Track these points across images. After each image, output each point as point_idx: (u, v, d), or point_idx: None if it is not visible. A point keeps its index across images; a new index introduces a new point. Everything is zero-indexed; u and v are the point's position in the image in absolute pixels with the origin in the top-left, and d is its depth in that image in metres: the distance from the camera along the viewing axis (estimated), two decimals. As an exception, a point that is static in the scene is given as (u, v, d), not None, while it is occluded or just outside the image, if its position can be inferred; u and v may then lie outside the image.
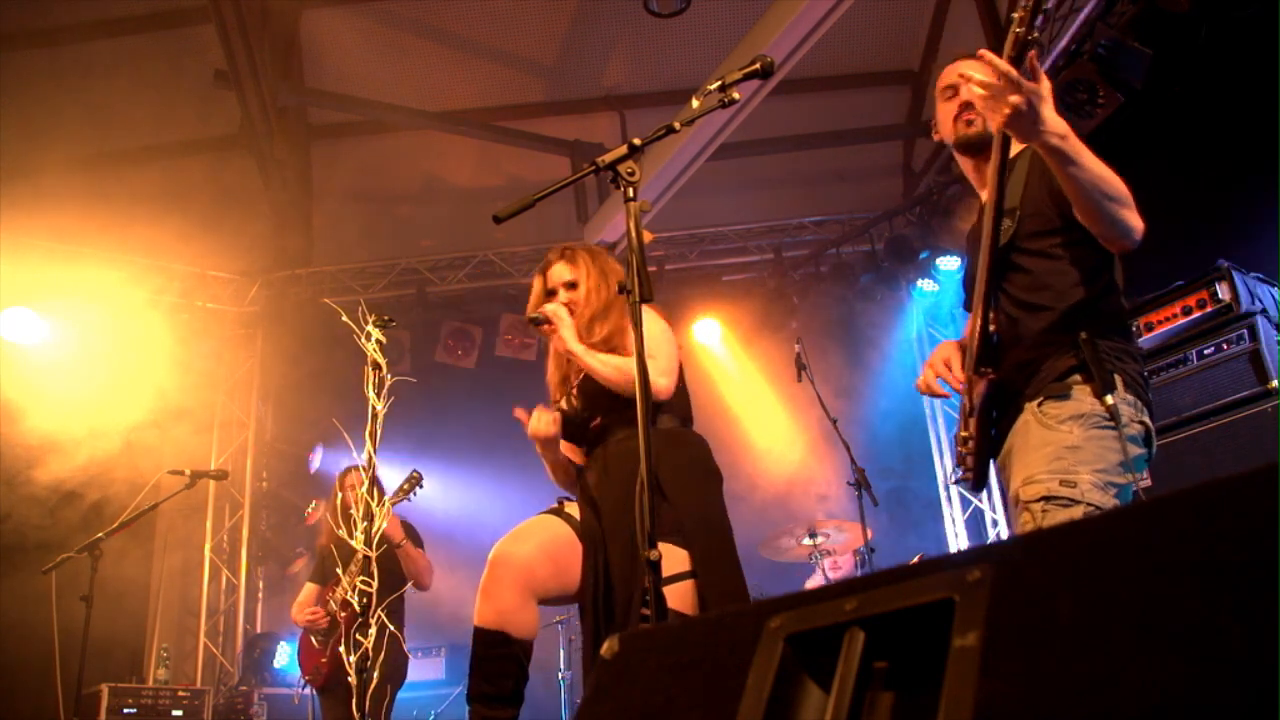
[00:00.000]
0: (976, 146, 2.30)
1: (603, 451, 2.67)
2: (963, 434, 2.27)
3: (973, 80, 1.92)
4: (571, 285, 2.76)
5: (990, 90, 1.86)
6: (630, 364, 2.50)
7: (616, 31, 6.32)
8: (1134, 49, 4.62)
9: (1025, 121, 1.84)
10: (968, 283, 2.41)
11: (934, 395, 2.41)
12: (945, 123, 2.37)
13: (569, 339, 2.62)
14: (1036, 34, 1.81)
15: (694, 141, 5.68)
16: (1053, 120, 1.86)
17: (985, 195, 2.28)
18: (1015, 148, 2.16)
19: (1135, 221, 1.99)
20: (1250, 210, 4.22)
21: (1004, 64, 1.83)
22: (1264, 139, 3.94)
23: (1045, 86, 1.85)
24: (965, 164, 2.40)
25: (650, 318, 2.63)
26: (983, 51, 1.89)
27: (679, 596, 2.30)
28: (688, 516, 2.44)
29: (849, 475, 4.94)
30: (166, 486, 4.56)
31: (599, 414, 2.70)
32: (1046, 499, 1.97)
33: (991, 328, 2.18)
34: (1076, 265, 2.11)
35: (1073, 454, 1.98)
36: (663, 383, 2.60)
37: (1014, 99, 1.82)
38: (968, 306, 2.36)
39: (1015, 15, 1.82)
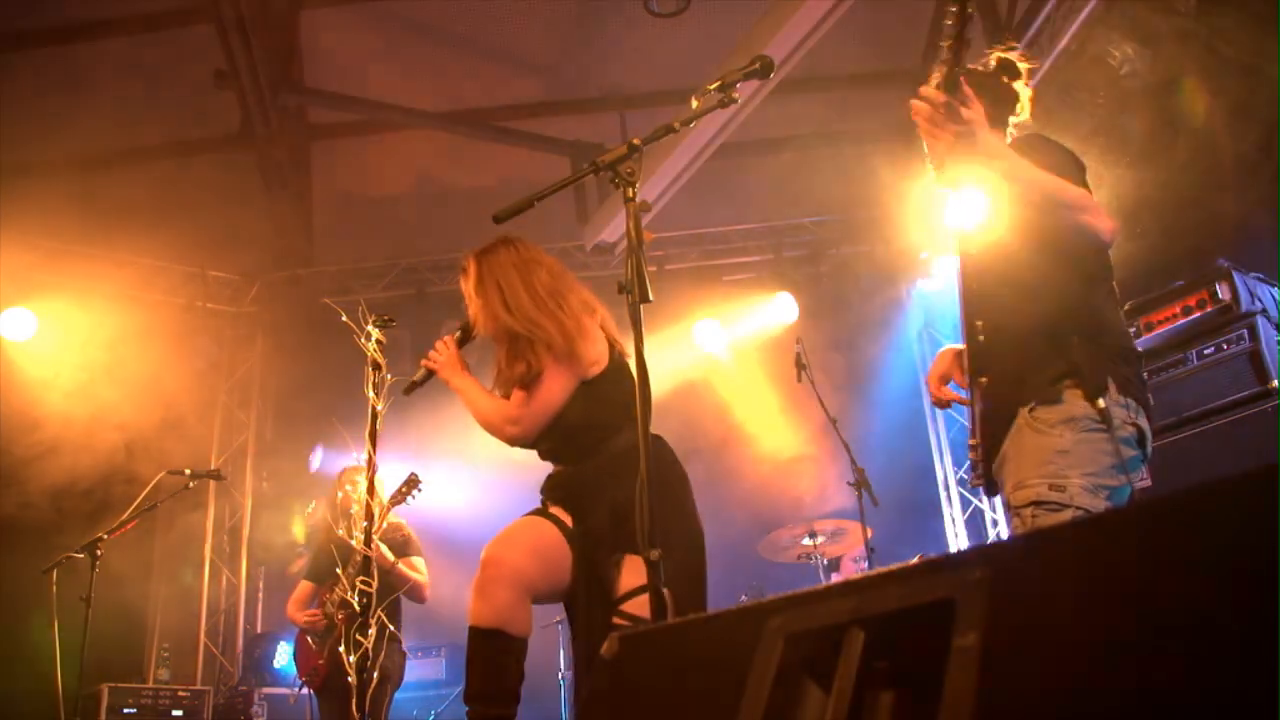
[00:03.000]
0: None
1: (563, 475, 2.69)
2: (971, 440, 2.32)
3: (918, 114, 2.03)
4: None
5: (931, 120, 1.97)
6: (489, 410, 2.63)
7: (616, 31, 6.31)
8: (1133, 49, 4.63)
9: (964, 146, 1.96)
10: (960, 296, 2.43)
11: (949, 401, 2.50)
12: None
13: (451, 379, 2.75)
14: (962, 65, 1.91)
15: (694, 141, 5.68)
16: (989, 142, 1.97)
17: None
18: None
19: (1099, 223, 2.03)
20: (1250, 210, 4.22)
21: (939, 95, 1.94)
22: (1264, 139, 3.94)
23: (979, 111, 1.99)
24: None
25: (547, 372, 2.56)
26: (922, 89, 1.98)
27: (641, 606, 2.29)
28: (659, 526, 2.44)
29: (849, 475, 4.94)
30: (166, 486, 4.55)
31: (545, 442, 2.69)
32: (1036, 504, 1.99)
33: (981, 337, 2.21)
34: (1063, 269, 2.13)
35: (1063, 458, 2.00)
36: (509, 431, 2.59)
37: (950, 128, 1.94)
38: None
39: (943, 43, 1.90)
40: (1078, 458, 2.00)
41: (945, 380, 2.48)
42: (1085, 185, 2.11)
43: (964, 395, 2.37)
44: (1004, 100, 2.34)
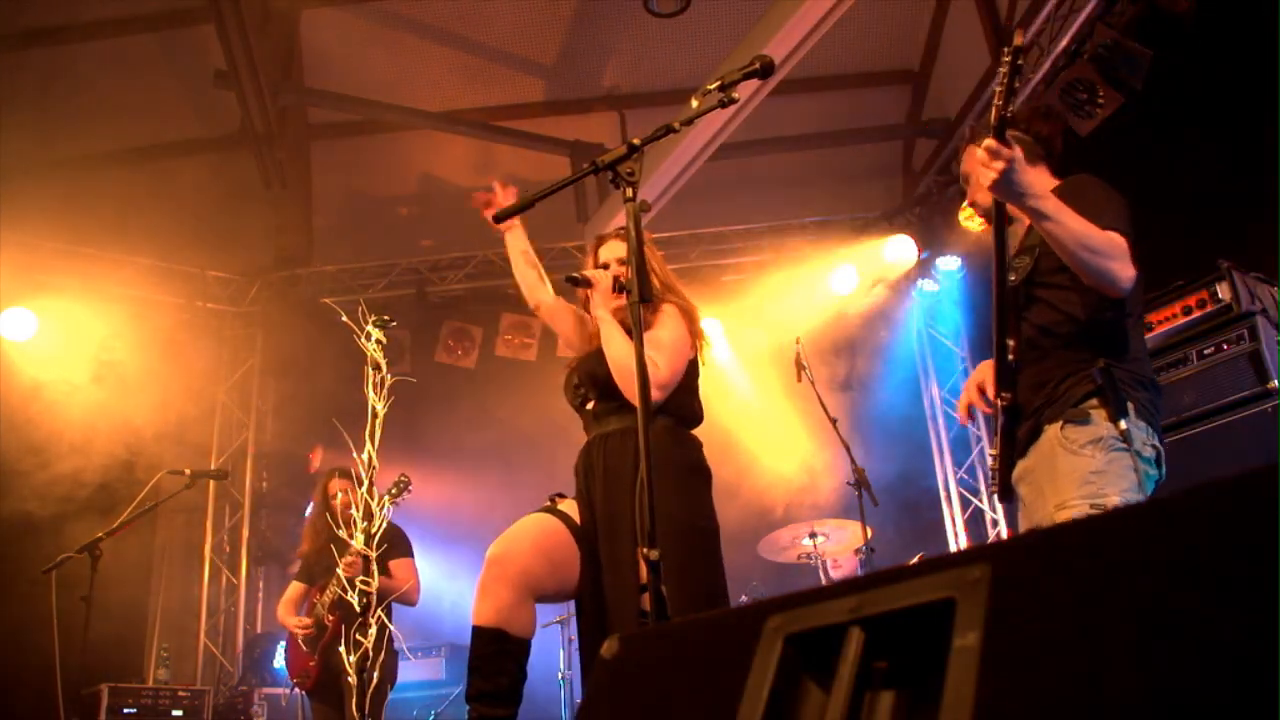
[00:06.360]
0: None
1: (591, 445, 2.70)
2: (991, 451, 2.49)
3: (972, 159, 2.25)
4: (624, 262, 2.82)
5: (978, 160, 2.13)
6: (630, 360, 2.51)
7: (616, 31, 6.32)
8: (1134, 49, 4.63)
9: (1005, 186, 2.09)
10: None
11: (978, 409, 2.65)
12: None
13: (601, 301, 2.68)
14: (1012, 110, 2.07)
15: (694, 141, 5.68)
16: (1027, 183, 2.11)
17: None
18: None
19: (1122, 271, 2.16)
20: (1250, 210, 4.22)
21: (988, 140, 2.09)
22: (1264, 139, 3.94)
23: (1019, 154, 2.11)
24: None
25: (673, 320, 2.70)
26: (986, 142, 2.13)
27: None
28: (660, 518, 2.43)
29: (849, 475, 4.94)
30: (166, 486, 4.55)
31: (594, 395, 2.72)
32: None
33: (1011, 357, 2.34)
34: (1089, 294, 2.25)
35: (1100, 478, 2.15)
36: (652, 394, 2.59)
37: (998, 165, 2.07)
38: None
39: (996, 89, 2.06)
40: (1112, 476, 2.14)
41: (982, 391, 2.62)
42: (1126, 223, 2.22)
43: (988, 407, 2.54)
44: (1037, 142, 2.51)
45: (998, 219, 2.26)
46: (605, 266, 2.84)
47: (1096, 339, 2.27)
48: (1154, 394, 2.31)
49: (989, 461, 2.55)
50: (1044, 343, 2.33)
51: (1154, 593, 0.68)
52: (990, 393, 2.50)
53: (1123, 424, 2.15)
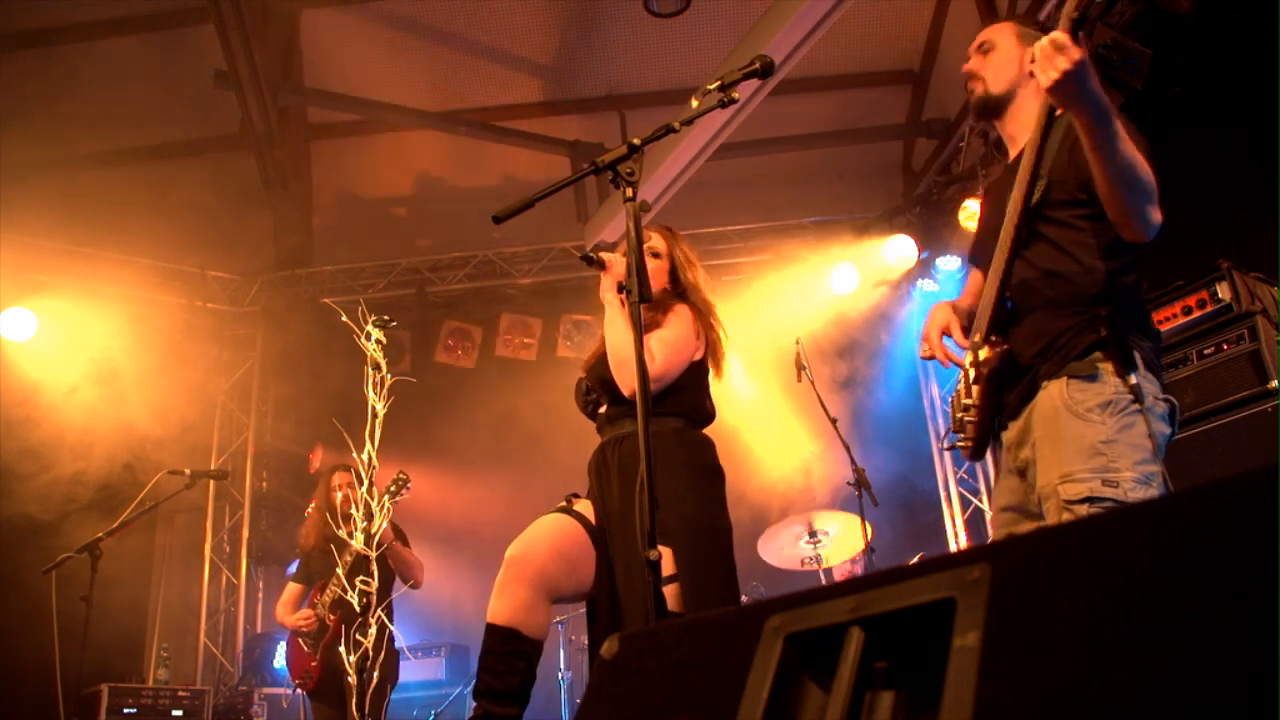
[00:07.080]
0: (983, 110, 2.33)
1: (605, 448, 2.71)
2: (964, 400, 2.20)
3: (982, 45, 1.94)
4: (656, 255, 2.87)
5: (1041, 52, 1.83)
6: (628, 349, 2.48)
7: (616, 31, 6.32)
8: (1134, 49, 4.62)
9: (1071, 88, 1.81)
10: (980, 241, 2.35)
11: (936, 359, 2.34)
12: None
13: (610, 286, 2.61)
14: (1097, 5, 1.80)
15: (694, 141, 5.68)
16: (1099, 94, 1.82)
17: (1014, 153, 2.27)
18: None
19: (1155, 216, 1.97)
20: (1250, 210, 4.22)
21: (1056, 33, 1.82)
22: (1264, 139, 3.94)
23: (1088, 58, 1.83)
24: (991, 127, 2.39)
25: (680, 320, 2.72)
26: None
27: (668, 598, 2.30)
28: (674, 517, 2.43)
29: (849, 475, 4.93)
30: (166, 486, 4.55)
31: (606, 399, 2.73)
32: (1090, 500, 1.92)
33: (1008, 294, 2.12)
34: (1099, 238, 2.08)
35: (1110, 448, 1.94)
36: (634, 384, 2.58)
37: (1061, 63, 1.79)
38: (976, 264, 2.32)
39: None
40: (1124, 447, 1.93)
41: (945, 334, 2.34)
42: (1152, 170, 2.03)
43: (960, 355, 2.26)
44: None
45: (1045, 127, 1.98)
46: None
47: (1098, 283, 2.06)
48: (1157, 343, 2.11)
49: (955, 413, 2.22)
50: (1042, 284, 2.10)
51: (1154, 593, 0.68)
52: (958, 334, 2.25)
53: (1133, 378, 1.94)
